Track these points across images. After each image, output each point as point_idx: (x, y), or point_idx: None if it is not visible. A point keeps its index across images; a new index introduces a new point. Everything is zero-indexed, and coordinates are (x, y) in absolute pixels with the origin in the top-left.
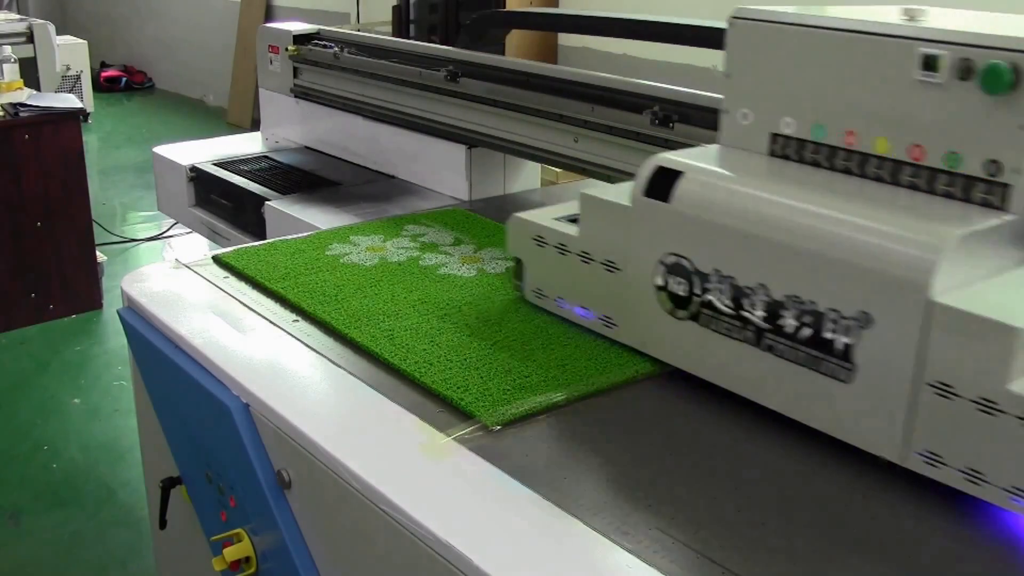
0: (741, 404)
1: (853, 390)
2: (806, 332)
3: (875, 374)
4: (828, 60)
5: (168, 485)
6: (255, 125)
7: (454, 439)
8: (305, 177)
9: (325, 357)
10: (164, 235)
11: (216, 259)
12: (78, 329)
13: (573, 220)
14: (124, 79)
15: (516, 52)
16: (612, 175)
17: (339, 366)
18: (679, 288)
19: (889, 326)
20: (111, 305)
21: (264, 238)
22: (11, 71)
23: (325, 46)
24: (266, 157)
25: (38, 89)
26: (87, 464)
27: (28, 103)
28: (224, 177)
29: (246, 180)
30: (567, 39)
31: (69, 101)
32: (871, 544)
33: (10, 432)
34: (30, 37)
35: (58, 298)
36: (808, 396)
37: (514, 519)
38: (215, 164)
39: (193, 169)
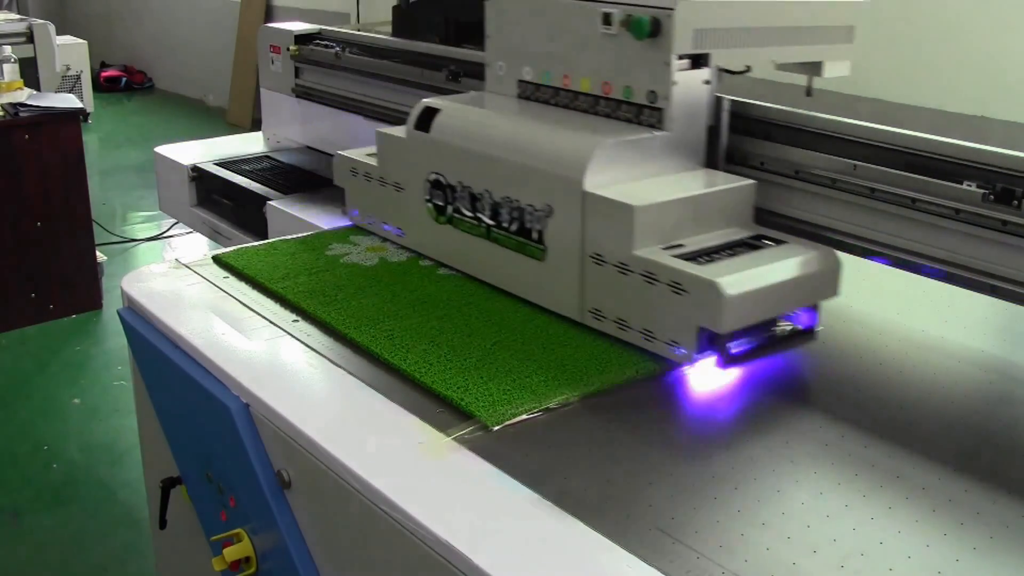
0: (739, 406)
1: (546, 266)
2: (515, 225)
3: (558, 252)
4: (550, 21)
5: (168, 485)
6: (255, 125)
7: (454, 439)
8: (307, 177)
9: (325, 357)
10: (164, 235)
11: (216, 259)
12: (78, 329)
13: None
14: (124, 79)
15: None
16: None
17: (339, 366)
18: (439, 200)
19: (563, 214)
20: (111, 305)
21: (266, 238)
22: (11, 71)
23: (327, 46)
24: (268, 157)
25: (38, 89)
26: (87, 464)
27: (28, 103)
28: (226, 177)
29: (248, 180)
30: None
31: (69, 101)
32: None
33: (10, 432)
34: (30, 37)
35: (58, 298)
36: (520, 274)
37: (514, 519)
38: (217, 164)
39: (195, 169)
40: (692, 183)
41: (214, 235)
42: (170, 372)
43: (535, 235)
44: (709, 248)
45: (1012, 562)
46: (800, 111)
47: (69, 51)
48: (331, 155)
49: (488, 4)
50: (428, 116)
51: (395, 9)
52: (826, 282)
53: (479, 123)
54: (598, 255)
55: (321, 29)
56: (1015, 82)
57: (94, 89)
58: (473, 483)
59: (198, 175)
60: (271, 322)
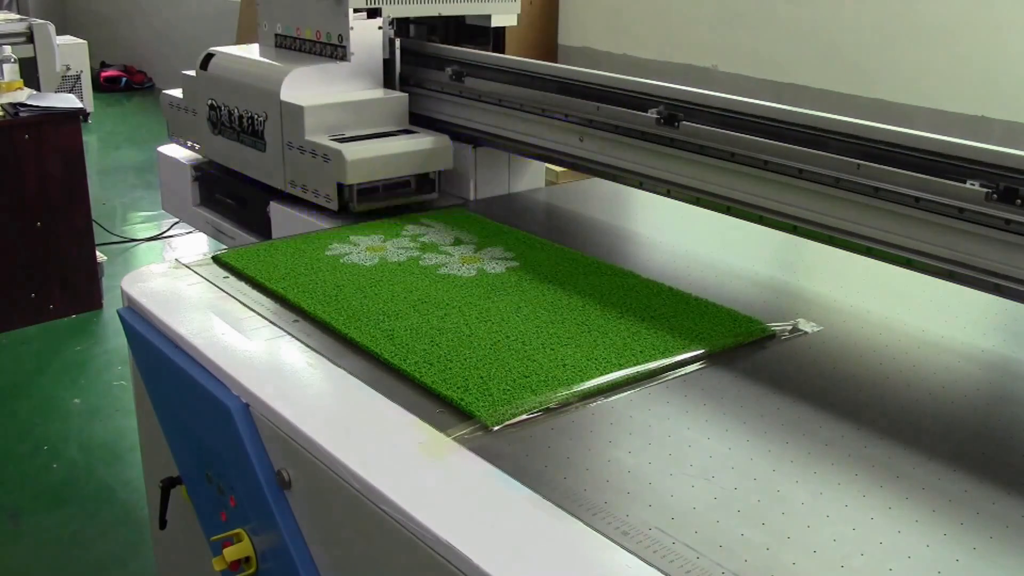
0: (740, 406)
1: (266, 155)
2: (250, 129)
3: (271, 144)
4: None
5: (168, 485)
6: None
7: (454, 439)
8: None
9: (325, 357)
10: (164, 235)
11: (216, 259)
12: (78, 329)
13: None
14: (124, 79)
15: (516, 51)
16: (618, 174)
17: (339, 366)
18: (214, 118)
19: (273, 117)
20: (111, 305)
21: (269, 237)
22: (11, 71)
23: None
24: None
25: (38, 89)
26: (87, 464)
27: (28, 103)
28: (229, 176)
29: (251, 179)
30: (567, 39)
31: (69, 101)
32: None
33: (10, 432)
34: (30, 37)
35: (58, 298)
36: (255, 163)
37: (514, 519)
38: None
39: (197, 168)
40: (359, 96)
41: (217, 234)
42: (170, 372)
43: (260, 134)
44: (360, 136)
45: (1012, 563)
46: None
47: (69, 51)
48: None
49: None
50: (208, 58)
51: None
52: (437, 157)
53: (236, 61)
54: (290, 143)
55: None
56: (1015, 82)
57: (94, 89)
58: (473, 483)
59: (201, 174)
60: (271, 322)
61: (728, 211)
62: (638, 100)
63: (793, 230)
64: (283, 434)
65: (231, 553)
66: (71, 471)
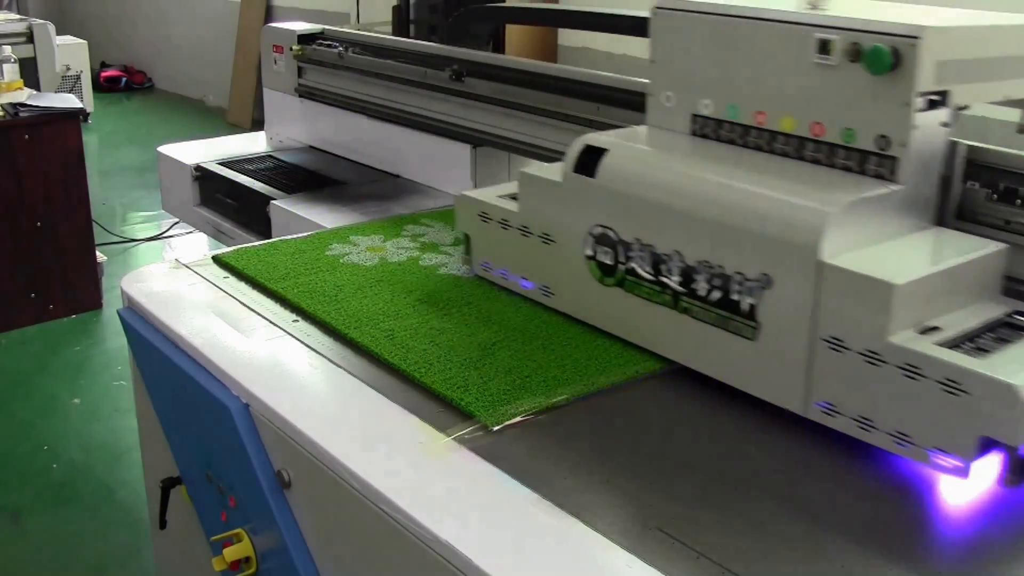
0: (741, 405)
1: (758, 347)
2: (716, 294)
3: (776, 331)
4: (739, 45)
5: (168, 485)
6: (255, 125)
7: (454, 439)
8: (310, 176)
9: (325, 357)
10: (164, 235)
11: (216, 259)
12: (78, 329)
13: (514, 197)
14: (124, 79)
15: (516, 52)
16: None
17: (339, 366)
18: (606, 257)
19: (786, 286)
20: (111, 305)
21: (269, 237)
22: (11, 71)
23: (330, 46)
24: (271, 157)
25: (38, 89)
26: (87, 464)
27: (28, 103)
28: (229, 176)
29: (251, 179)
30: (567, 39)
31: (69, 101)
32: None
33: (10, 432)
34: (30, 37)
35: (58, 298)
36: (719, 353)
37: (514, 519)
38: (220, 163)
39: (198, 168)
40: (942, 249)
41: (217, 235)
42: (170, 372)
43: (745, 308)
44: (970, 331)
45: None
46: None
47: (69, 51)
48: (335, 155)
49: (655, 20)
50: (593, 157)
51: (395, 9)
52: None
53: (662, 168)
54: (836, 339)
55: (324, 29)
56: None
57: (94, 89)
58: (473, 483)
59: (201, 175)
60: (271, 322)
61: None
62: (638, 100)
63: None
64: (283, 434)
65: (231, 553)
66: (71, 471)
